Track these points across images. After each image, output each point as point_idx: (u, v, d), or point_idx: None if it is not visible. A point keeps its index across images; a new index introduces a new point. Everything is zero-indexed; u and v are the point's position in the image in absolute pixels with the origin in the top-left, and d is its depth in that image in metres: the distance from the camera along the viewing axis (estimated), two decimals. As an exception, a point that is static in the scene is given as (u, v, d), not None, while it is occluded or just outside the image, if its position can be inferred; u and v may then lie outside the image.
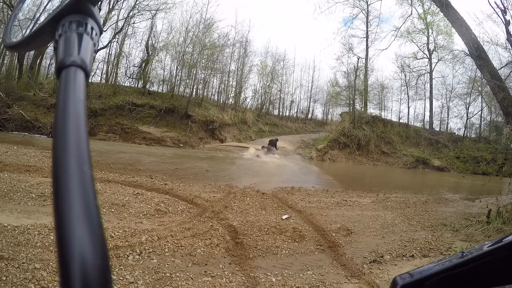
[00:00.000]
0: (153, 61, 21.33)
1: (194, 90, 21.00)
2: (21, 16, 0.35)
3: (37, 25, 0.29)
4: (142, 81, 20.88)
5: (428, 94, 25.49)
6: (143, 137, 17.14)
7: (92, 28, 0.26)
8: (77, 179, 0.18)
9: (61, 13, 0.26)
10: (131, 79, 21.33)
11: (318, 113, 32.46)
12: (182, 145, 17.41)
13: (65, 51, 0.24)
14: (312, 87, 30.74)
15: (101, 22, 0.28)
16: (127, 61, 21.65)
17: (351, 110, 22.59)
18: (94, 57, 0.27)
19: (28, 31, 0.30)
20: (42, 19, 0.30)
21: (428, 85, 25.40)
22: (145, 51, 21.29)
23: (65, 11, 0.26)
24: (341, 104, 25.23)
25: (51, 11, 0.31)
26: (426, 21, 21.96)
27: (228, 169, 10.56)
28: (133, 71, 21.52)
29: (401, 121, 24.55)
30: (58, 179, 0.18)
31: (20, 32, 0.33)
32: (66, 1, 0.27)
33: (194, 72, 20.72)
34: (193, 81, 20.76)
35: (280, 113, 29.08)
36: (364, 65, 23.08)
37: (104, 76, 21.48)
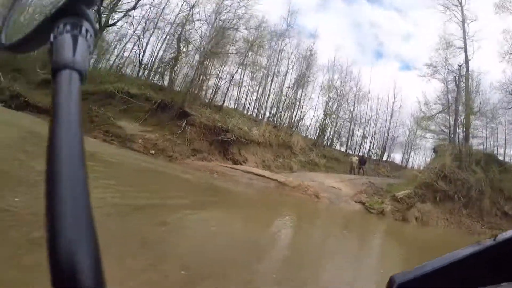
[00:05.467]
0: (182, 58, 17.06)
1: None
2: (15, 18, 0.35)
3: (31, 27, 0.29)
4: (168, 77, 18.15)
5: None
6: (106, 130, 11.88)
7: (87, 30, 0.26)
8: (70, 180, 0.18)
9: (56, 15, 0.26)
10: (151, 72, 18.86)
11: (396, 155, 24.74)
12: (153, 152, 11.64)
13: (60, 53, 0.24)
14: (391, 119, 23.09)
15: (96, 24, 0.28)
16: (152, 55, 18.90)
17: (455, 141, 14.38)
18: (89, 59, 0.27)
19: (22, 33, 0.30)
20: (36, 21, 0.30)
21: None
22: (176, 46, 17.25)
23: (60, 13, 0.26)
24: (430, 138, 17.86)
25: (45, 13, 0.30)
26: None
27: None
28: (158, 65, 18.60)
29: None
30: (52, 179, 0.18)
31: (14, 34, 0.33)
32: (61, 3, 0.27)
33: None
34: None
35: (348, 150, 22.07)
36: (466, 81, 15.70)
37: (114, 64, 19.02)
